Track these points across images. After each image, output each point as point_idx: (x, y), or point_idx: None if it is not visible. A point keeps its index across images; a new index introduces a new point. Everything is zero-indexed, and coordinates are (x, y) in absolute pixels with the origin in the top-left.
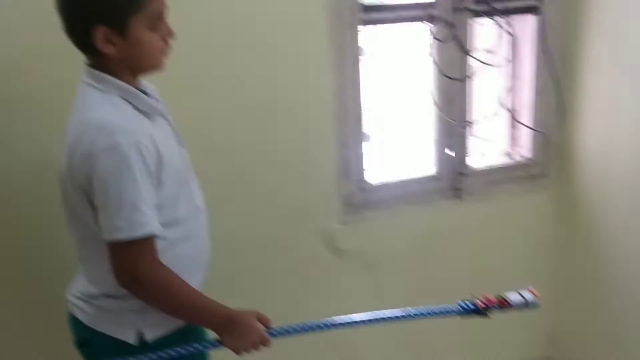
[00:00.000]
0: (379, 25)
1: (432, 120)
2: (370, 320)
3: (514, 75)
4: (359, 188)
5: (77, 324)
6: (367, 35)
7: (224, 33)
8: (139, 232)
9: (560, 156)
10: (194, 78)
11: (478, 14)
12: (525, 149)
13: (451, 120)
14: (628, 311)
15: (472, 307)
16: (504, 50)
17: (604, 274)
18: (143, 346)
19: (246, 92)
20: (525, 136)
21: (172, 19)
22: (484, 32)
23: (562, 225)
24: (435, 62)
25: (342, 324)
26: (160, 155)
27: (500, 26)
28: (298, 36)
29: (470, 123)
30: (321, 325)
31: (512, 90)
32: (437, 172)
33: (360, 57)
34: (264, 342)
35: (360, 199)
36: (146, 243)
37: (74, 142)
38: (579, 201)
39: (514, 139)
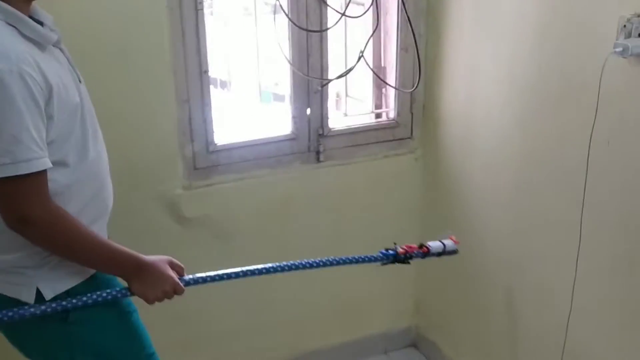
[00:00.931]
0: None
1: (287, 76)
2: (289, 267)
3: (379, 30)
4: (205, 150)
5: None
6: None
7: None
8: (24, 169)
9: (425, 117)
10: None
11: None
12: (390, 109)
13: (306, 76)
14: (485, 277)
15: (392, 253)
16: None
17: (465, 239)
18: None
19: (70, 35)
20: (390, 95)
21: None
22: None
23: (427, 189)
24: (284, 11)
25: (259, 271)
26: (50, 87)
27: None
28: None
29: (329, 80)
30: (239, 273)
31: (376, 45)
32: (293, 133)
33: (201, 3)
34: (177, 291)
35: (207, 162)
36: (35, 180)
37: None
38: (443, 164)
39: (378, 98)
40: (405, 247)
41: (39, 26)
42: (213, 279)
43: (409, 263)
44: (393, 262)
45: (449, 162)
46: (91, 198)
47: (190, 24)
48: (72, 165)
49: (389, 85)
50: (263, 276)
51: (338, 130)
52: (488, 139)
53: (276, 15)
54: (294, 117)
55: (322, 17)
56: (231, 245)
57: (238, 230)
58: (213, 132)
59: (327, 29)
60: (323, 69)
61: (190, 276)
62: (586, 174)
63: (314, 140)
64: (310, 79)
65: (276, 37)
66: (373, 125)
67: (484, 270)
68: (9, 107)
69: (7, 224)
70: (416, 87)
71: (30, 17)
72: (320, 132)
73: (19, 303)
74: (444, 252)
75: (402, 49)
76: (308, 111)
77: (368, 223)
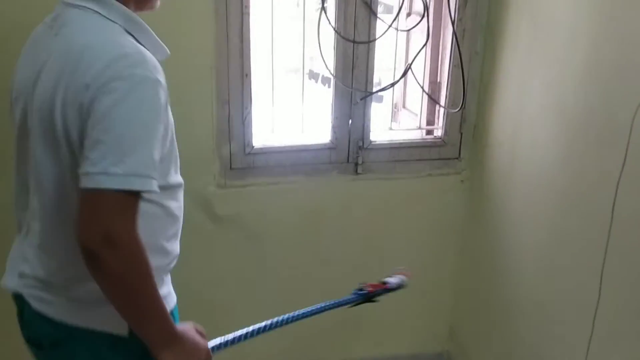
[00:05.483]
0: None
1: (331, 85)
2: (271, 326)
3: (436, 44)
4: (242, 151)
5: (38, 321)
6: None
7: None
8: (136, 185)
9: (475, 139)
10: None
11: None
12: (438, 126)
13: (348, 88)
14: (522, 310)
15: (364, 293)
16: (418, 15)
17: (503, 269)
18: (133, 338)
19: None
20: (440, 113)
21: None
22: None
23: (470, 213)
24: (329, 22)
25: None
26: (166, 105)
27: None
28: None
29: (370, 93)
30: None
31: (434, 60)
32: (332, 142)
33: (247, 5)
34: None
35: (243, 163)
36: (135, 200)
37: (66, 71)
38: (488, 189)
39: (431, 114)
40: (371, 286)
41: (157, 38)
42: (234, 341)
43: (376, 301)
44: (364, 302)
45: (494, 188)
46: (179, 225)
47: (235, 27)
48: (171, 187)
49: (436, 102)
50: (289, 276)
51: (380, 144)
52: (531, 168)
53: (321, 25)
54: (334, 127)
55: (371, 28)
56: (261, 247)
57: (269, 233)
58: (251, 134)
59: (374, 40)
60: (368, 81)
61: (216, 342)
62: (611, 221)
63: (353, 151)
64: (354, 91)
65: (320, 47)
66: (418, 142)
67: (517, 300)
68: (135, 116)
69: (83, 240)
70: (462, 107)
71: None
72: (360, 144)
73: (104, 336)
74: (399, 287)
75: (454, 65)
76: (350, 122)
77: (404, 242)
